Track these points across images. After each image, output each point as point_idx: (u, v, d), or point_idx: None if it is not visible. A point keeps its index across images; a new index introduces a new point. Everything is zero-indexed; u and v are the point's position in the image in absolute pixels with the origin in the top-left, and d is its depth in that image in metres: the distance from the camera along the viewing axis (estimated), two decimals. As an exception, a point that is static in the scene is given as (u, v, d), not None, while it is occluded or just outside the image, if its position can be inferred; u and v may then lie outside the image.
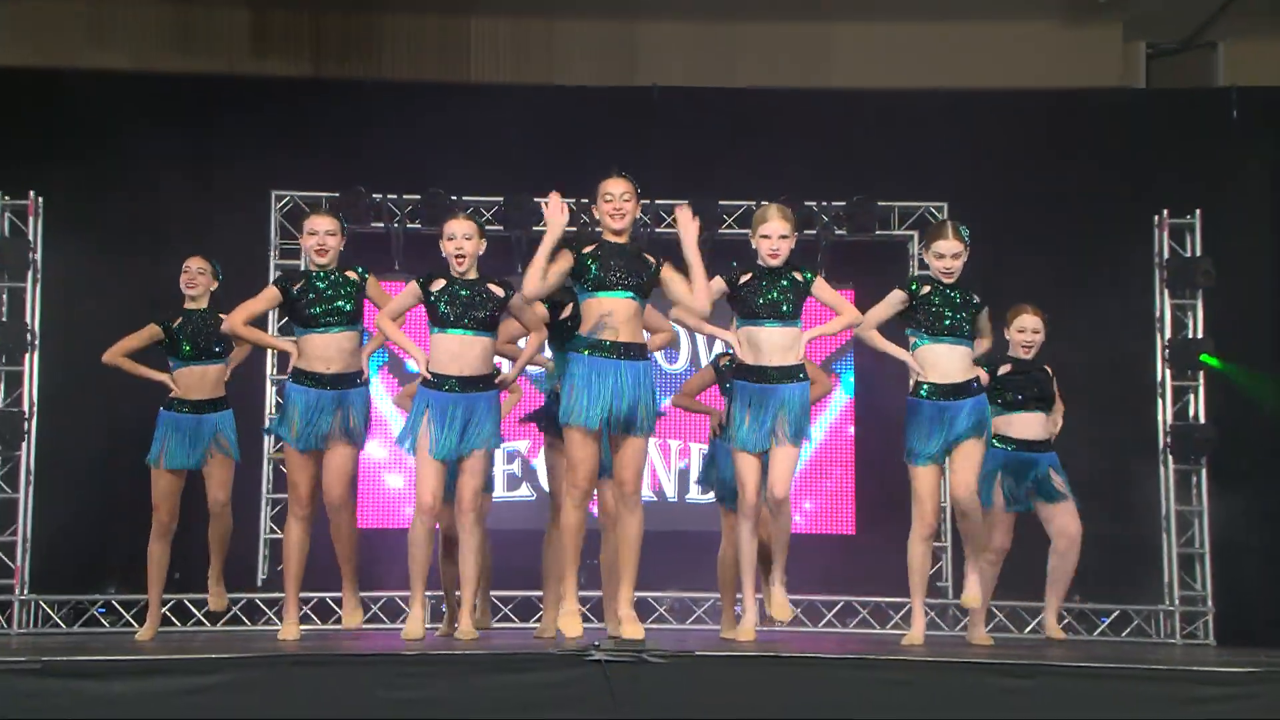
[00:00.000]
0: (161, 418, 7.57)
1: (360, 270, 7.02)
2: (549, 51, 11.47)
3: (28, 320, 10.07)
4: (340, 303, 6.88)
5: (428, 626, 6.87)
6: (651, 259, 6.37)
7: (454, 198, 10.56)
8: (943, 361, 6.90)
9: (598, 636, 6.00)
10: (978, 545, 7.07)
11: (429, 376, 6.66)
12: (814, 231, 10.75)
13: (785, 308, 6.76)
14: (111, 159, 10.47)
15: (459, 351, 6.63)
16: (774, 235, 6.81)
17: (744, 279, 6.83)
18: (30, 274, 10.10)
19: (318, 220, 7.03)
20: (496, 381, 6.73)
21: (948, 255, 6.90)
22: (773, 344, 6.74)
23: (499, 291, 6.72)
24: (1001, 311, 7.56)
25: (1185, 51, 11.91)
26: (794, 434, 6.72)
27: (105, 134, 10.44)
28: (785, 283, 6.79)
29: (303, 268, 7.07)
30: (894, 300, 7.01)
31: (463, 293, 6.65)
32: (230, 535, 7.72)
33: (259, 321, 7.36)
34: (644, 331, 6.48)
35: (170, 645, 6.79)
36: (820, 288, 6.84)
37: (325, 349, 6.86)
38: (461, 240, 6.69)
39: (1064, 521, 7.67)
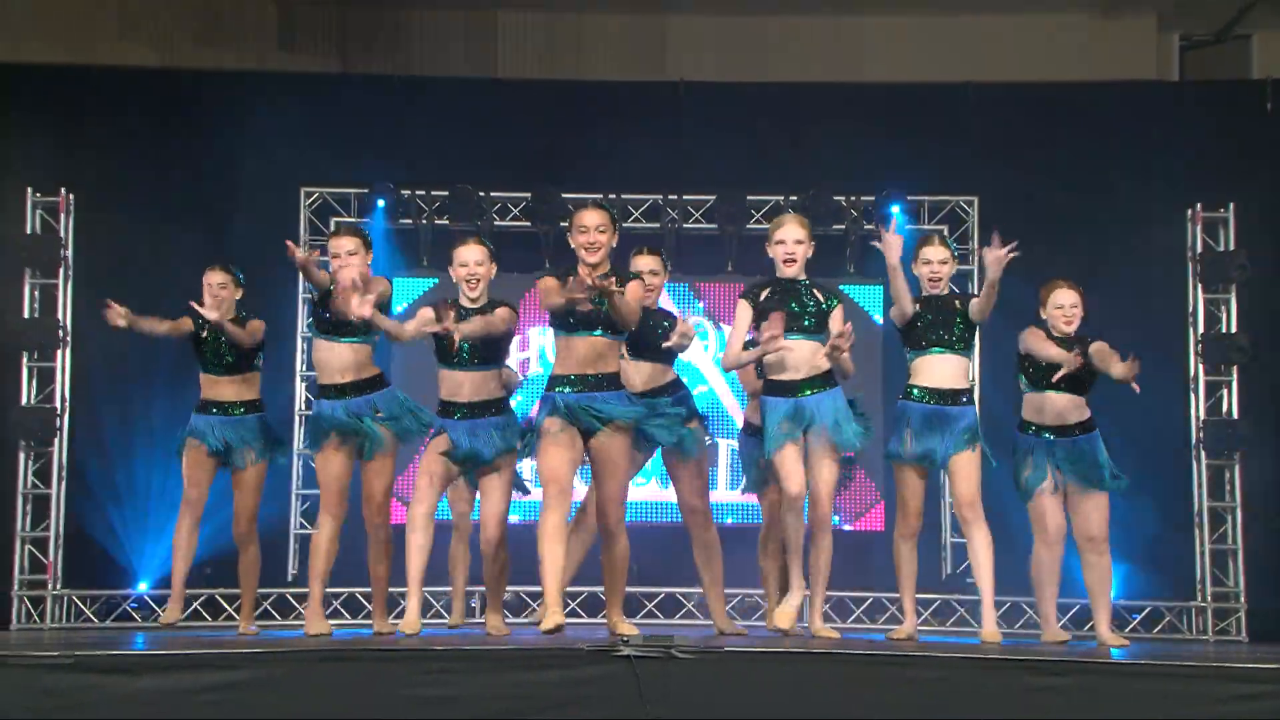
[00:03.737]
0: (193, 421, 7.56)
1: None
2: (577, 46, 11.49)
3: (59, 317, 10.08)
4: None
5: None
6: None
7: (481, 193, 10.60)
8: (935, 369, 6.95)
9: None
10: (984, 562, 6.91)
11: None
12: (842, 227, 10.69)
13: (808, 322, 6.73)
14: (140, 155, 10.51)
15: (467, 386, 6.59)
16: (789, 240, 6.77)
17: (764, 295, 6.79)
18: (61, 270, 10.11)
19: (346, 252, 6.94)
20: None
21: (935, 261, 6.95)
22: (799, 357, 6.70)
23: (502, 322, 6.53)
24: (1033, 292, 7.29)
25: (1219, 44, 11.85)
26: (836, 442, 6.73)
27: (133, 130, 10.50)
28: (807, 298, 6.77)
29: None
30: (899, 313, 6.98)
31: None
32: (259, 565, 7.62)
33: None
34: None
35: (200, 640, 6.75)
36: (836, 320, 6.76)
37: (330, 356, 6.90)
38: (474, 266, 6.56)
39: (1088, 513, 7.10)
